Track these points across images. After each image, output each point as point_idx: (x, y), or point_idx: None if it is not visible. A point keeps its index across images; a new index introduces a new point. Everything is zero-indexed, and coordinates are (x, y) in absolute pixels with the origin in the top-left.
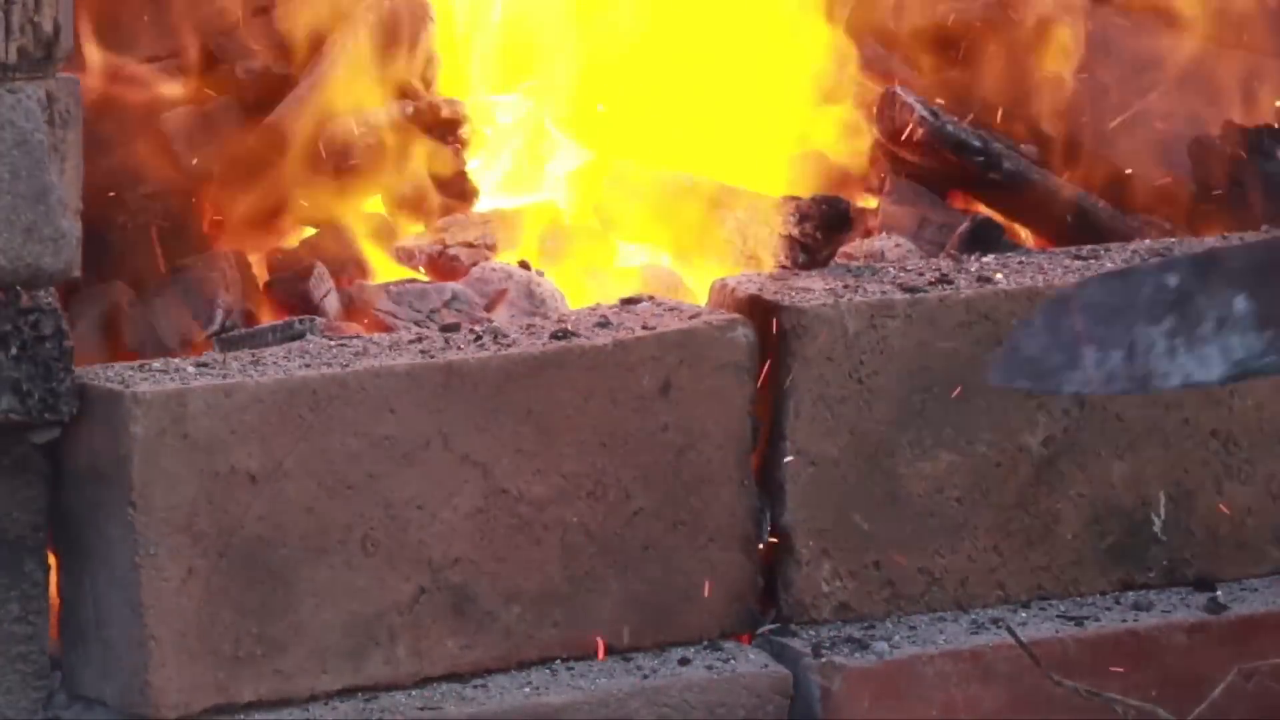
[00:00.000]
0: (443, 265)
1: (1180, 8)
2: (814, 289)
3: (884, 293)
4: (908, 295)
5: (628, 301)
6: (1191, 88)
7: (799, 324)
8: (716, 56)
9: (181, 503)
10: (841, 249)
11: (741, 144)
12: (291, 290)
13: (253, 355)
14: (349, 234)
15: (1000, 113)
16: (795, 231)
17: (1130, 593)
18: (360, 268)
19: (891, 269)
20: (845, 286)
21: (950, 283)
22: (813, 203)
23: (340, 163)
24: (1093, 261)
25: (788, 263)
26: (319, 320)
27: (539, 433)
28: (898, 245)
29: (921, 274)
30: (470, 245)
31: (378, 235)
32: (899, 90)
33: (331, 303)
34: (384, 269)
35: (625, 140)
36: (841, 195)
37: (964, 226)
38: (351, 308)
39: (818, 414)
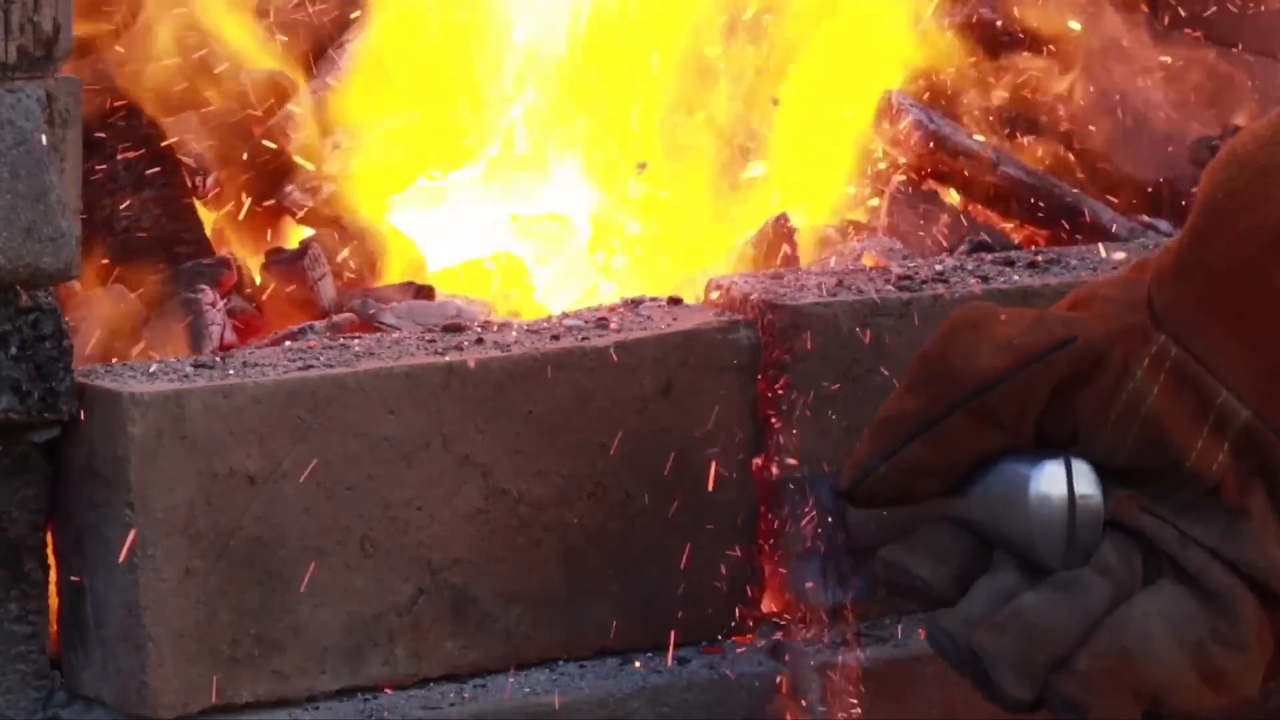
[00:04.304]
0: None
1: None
2: (808, 287)
3: (878, 291)
4: (901, 294)
5: (628, 302)
6: (1193, 90)
7: (791, 322)
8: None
9: (180, 504)
10: (835, 249)
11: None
12: (287, 270)
13: (252, 355)
14: (350, 235)
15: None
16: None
17: None
18: (362, 270)
19: (886, 268)
20: (839, 285)
21: (945, 282)
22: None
23: (342, 167)
24: (1089, 261)
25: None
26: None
27: (539, 433)
28: (891, 246)
29: (916, 273)
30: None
31: (381, 238)
32: (896, 94)
33: (327, 287)
34: (388, 272)
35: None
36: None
37: (963, 248)
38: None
39: (810, 413)
